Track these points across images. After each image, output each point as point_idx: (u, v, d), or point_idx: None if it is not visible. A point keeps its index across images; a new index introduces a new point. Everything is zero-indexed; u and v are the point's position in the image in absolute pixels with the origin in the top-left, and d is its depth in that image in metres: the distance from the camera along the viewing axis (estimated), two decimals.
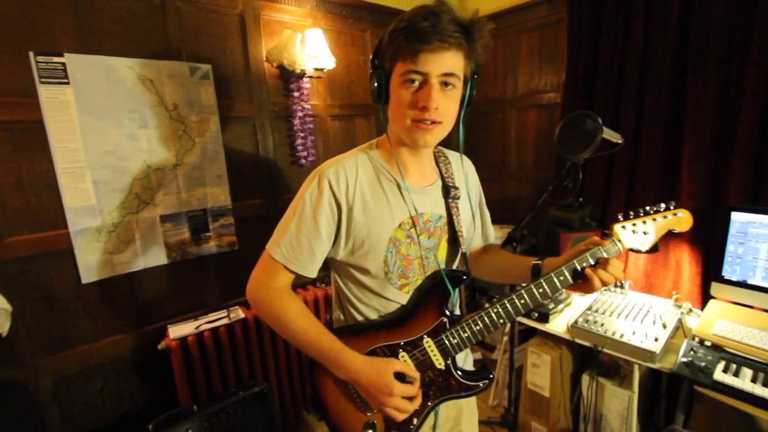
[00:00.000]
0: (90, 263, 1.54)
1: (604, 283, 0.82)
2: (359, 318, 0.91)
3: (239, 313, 1.81)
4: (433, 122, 0.77)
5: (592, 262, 0.84)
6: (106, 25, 1.50)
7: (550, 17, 2.23)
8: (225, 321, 1.75)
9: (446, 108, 0.78)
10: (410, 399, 0.82)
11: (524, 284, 0.84)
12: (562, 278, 0.84)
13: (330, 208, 0.82)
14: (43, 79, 1.39)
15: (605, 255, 0.84)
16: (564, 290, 0.91)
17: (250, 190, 1.94)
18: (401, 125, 0.80)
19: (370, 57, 0.83)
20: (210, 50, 1.75)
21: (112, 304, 1.62)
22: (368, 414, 0.88)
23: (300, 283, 2.05)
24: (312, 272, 0.86)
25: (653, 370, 1.46)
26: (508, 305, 0.84)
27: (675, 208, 0.89)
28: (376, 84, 0.82)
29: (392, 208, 0.85)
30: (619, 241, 0.86)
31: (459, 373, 0.88)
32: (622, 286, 1.82)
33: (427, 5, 0.74)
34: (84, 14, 1.45)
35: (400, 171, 0.86)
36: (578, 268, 0.83)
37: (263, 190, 1.99)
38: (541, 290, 0.84)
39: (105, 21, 1.50)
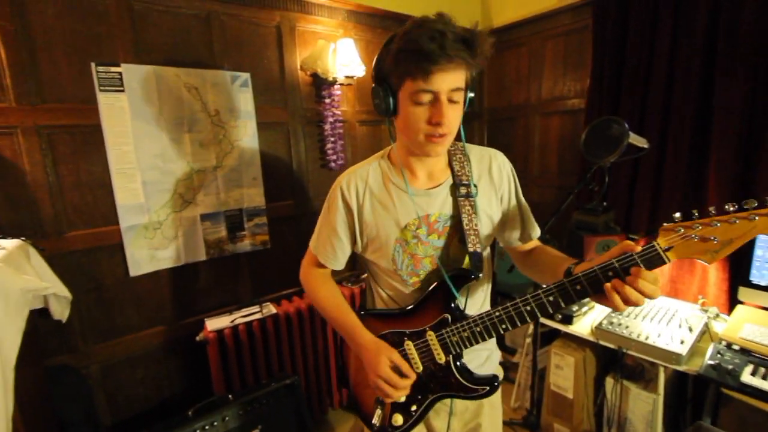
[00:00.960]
0: (137, 258, 1.65)
1: (628, 302, 0.69)
2: (380, 303, 1.03)
3: (271, 309, 1.90)
4: (441, 135, 0.83)
5: (619, 272, 0.70)
6: (158, 39, 1.63)
7: (575, 24, 2.27)
8: (258, 316, 1.84)
9: (455, 120, 0.83)
10: (396, 386, 0.87)
11: (532, 291, 0.80)
12: (579, 288, 0.74)
13: (343, 212, 0.96)
14: (102, 87, 1.52)
15: (639, 265, 0.69)
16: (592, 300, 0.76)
17: (282, 192, 2.04)
18: (413, 139, 0.85)
19: (373, 71, 0.87)
20: (249, 60, 1.86)
21: (155, 297, 1.73)
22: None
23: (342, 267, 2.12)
24: (336, 265, 1.03)
25: (679, 374, 1.47)
26: (512, 311, 0.81)
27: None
28: (382, 99, 0.84)
29: (398, 211, 0.93)
30: (668, 248, 0.69)
31: (460, 372, 0.89)
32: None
33: (430, 21, 0.76)
34: (140, 28, 1.58)
35: (404, 177, 0.93)
36: (601, 277, 0.72)
37: (295, 192, 2.09)
38: (551, 298, 0.77)
39: (158, 34, 1.63)
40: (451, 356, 0.89)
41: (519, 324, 0.82)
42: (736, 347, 1.40)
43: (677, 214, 0.71)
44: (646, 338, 1.51)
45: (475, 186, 0.95)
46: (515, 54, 2.56)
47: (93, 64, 1.50)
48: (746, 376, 1.28)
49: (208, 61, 1.75)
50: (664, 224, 0.71)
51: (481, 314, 0.85)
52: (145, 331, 1.73)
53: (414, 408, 0.91)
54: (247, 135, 1.88)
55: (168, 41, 1.65)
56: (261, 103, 1.91)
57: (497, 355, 1.07)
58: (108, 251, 1.60)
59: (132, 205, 1.62)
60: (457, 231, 0.94)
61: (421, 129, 0.82)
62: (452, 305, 0.90)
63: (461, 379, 0.89)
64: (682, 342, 1.46)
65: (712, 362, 1.35)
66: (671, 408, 1.76)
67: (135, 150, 1.61)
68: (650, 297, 0.68)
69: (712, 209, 0.68)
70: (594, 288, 0.73)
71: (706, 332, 1.56)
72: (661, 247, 0.69)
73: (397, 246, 0.93)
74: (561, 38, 2.36)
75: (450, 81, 0.78)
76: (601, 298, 0.73)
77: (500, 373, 1.07)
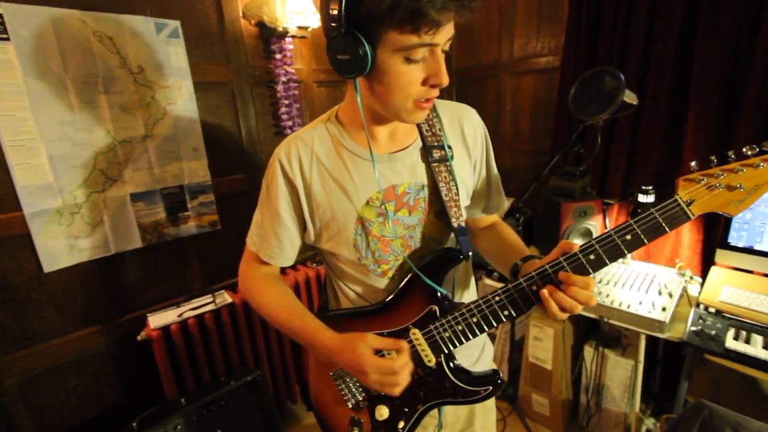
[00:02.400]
0: (52, 249, 1.36)
1: (564, 309, 0.63)
2: (346, 303, 0.83)
3: (225, 297, 1.68)
4: (432, 98, 0.66)
5: (552, 277, 0.65)
6: None
7: None
8: (211, 307, 1.62)
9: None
10: (395, 373, 0.67)
11: (543, 265, 0.67)
12: (535, 287, 0.66)
13: (286, 190, 0.75)
14: None
15: (566, 269, 0.64)
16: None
17: (231, 164, 1.77)
18: (396, 105, 0.65)
19: (331, 11, 0.60)
20: (178, 4, 1.53)
21: (81, 294, 1.46)
22: (354, 410, 0.79)
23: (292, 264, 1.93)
24: (283, 261, 0.82)
25: (652, 339, 1.45)
26: (513, 292, 0.68)
27: None
28: (355, 54, 0.60)
29: (356, 184, 0.74)
30: (689, 202, 0.61)
31: (455, 373, 0.74)
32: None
33: None
34: None
35: (365, 140, 0.73)
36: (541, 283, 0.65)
37: (246, 164, 1.82)
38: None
39: None
40: (442, 356, 0.73)
41: (525, 309, 0.68)
42: (713, 310, 1.38)
43: (693, 163, 0.63)
44: (628, 307, 1.46)
45: (450, 148, 0.78)
46: (485, 8, 2.35)
47: None
48: (730, 341, 1.25)
49: (123, 4, 1.41)
50: (685, 176, 0.63)
51: (476, 301, 0.70)
52: (73, 334, 1.47)
53: (402, 425, 0.75)
54: (182, 97, 1.57)
55: None
56: (197, 59, 1.60)
57: (490, 348, 0.93)
58: (10, 244, 1.30)
59: (37, 185, 1.31)
60: (433, 204, 0.77)
61: (412, 93, 0.63)
62: (438, 294, 0.74)
63: (458, 382, 0.73)
64: (663, 309, 1.42)
65: (694, 328, 1.32)
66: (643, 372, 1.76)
67: (34, 117, 1.28)
68: (585, 304, 0.63)
69: (731, 153, 0.61)
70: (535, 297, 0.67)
71: (683, 296, 1.53)
72: (683, 201, 0.61)
73: (358, 228, 0.74)
74: None
75: (449, 29, 0.60)
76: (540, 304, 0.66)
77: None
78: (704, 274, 1.64)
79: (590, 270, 0.64)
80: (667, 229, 0.62)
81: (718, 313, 1.36)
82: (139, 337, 1.48)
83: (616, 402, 1.67)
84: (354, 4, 0.57)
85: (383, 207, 0.74)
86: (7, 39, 1.22)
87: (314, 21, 1.75)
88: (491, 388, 0.73)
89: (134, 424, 1.31)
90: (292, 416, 1.97)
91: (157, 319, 1.53)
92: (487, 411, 0.92)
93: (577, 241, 1.75)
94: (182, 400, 1.41)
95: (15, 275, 1.32)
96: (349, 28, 0.58)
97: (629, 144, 1.88)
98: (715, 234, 1.64)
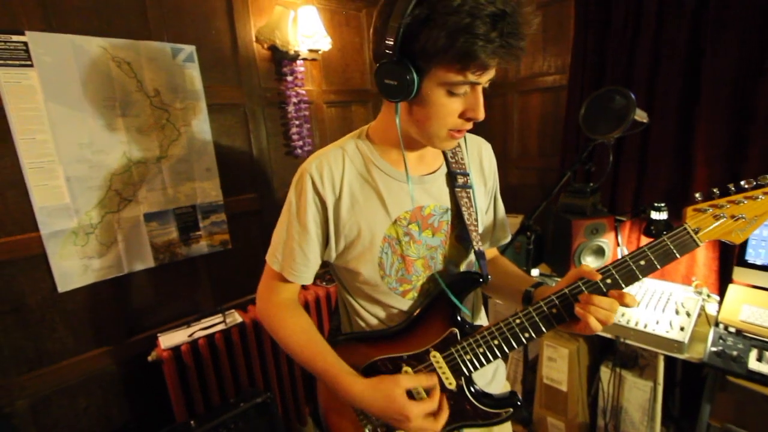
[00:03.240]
0: (66, 269, 1.37)
1: (603, 322, 0.65)
2: (362, 325, 0.82)
3: (236, 317, 1.68)
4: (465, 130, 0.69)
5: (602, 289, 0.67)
6: (74, 1, 1.32)
7: None
8: (221, 327, 1.61)
9: None
10: (435, 414, 0.70)
11: (562, 289, 0.70)
12: (555, 310, 0.69)
13: (315, 206, 0.75)
14: (1, 61, 1.21)
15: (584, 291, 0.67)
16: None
17: (242, 184, 1.79)
18: (431, 132, 0.68)
19: (387, 41, 0.61)
20: (194, 30, 1.58)
21: (94, 314, 1.47)
22: (368, 430, 0.78)
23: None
24: (307, 279, 0.80)
25: (670, 359, 1.41)
26: (534, 315, 0.69)
27: None
28: (402, 80, 0.62)
29: (386, 203, 0.74)
30: (697, 230, 0.66)
31: (475, 396, 0.74)
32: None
33: (499, 3, 0.57)
34: None
35: (403, 159, 0.75)
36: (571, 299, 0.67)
37: (257, 184, 1.84)
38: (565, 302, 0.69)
39: None
40: (463, 379, 0.73)
41: (545, 330, 0.69)
42: (732, 329, 1.34)
43: (698, 194, 0.69)
44: (645, 326, 1.42)
45: (468, 176, 0.81)
46: None
47: None
48: (753, 363, 1.21)
49: (141, 30, 1.47)
50: (693, 206, 0.68)
51: (496, 323, 0.71)
52: (84, 355, 1.47)
53: None
54: (196, 119, 1.61)
55: (86, 5, 1.35)
56: (211, 82, 1.64)
57: (503, 368, 0.92)
58: (27, 264, 1.31)
59: (55, 206, 1.34)
60: (455, 227, 0.79)
61: (448, 123, 0.67)
62: (458, 317, 0.74)
63: (478, 404, 0.73)
64: (682, 328, 1.39)
65: (715, 349, 1.28)
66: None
67: (54, 139, 1.32)
68: (604, 323, 0.65)
69: (731, 186, 0.66)
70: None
71: (701, 315, 1.50)
72: (692, 229, 0.66)
73: (386, 246, 0.74)
74: (540, 10, 2.21)
75: (493, 71, 0.63)
76: (566, 326, 0.69)
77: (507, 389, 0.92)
78: (721, 292, 1.60)
79: (606, 292, 0.67)
80: (677, 255, 0.66)
81: (739, 333, 1.33)
82: (149, 358, 1.47)
83: (635, 425, 1.62)
84: (411, 38, 0.60)
85: (410, 227, 0.75)
86: (31, 65, 1.26)
87: (325, 44, 1.79)
88: (511, 410, 0.74)
89: None
90: None
91: (167, 339, 1.52)
92: (502, 428, 0.91)
93: (590, 259, 1.74)
94: (192, 422, 1.39)
95: (30, 296, 1.33)
96: (401, 58, 0.62)
97: (638, 161, 1.87)
98: (731, 251, 1.61)
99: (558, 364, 1.71)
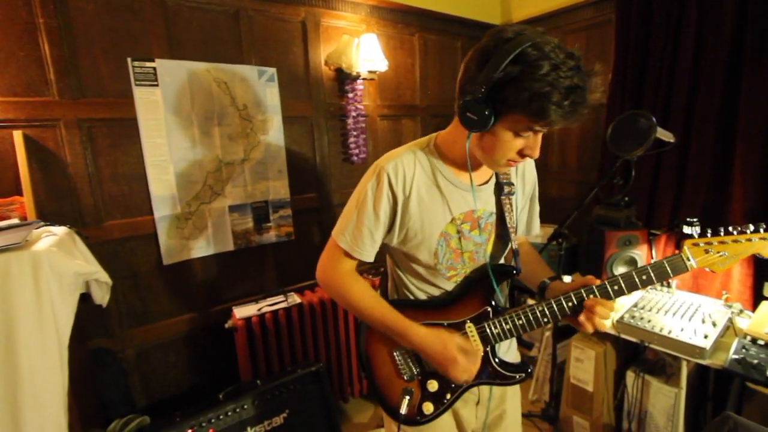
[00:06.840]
0: (170, 246, 1.71)
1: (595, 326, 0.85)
2: (409, 296, 1.00)
3: (295, 298, 1.95)
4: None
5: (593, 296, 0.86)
6: (190, 34, 1.68)
7: (596, 18, 2.25)
8: (283, 305, 1.89)
9: None
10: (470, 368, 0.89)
11: (578, 288, 0.88)
12: (571, 304, 0.88)
13: (388, 200, 0.89)
14: (137, 82, 1.57)
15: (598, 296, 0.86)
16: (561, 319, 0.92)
17: (306, 185, 2.09)
18: (492, 159, 0.84)
19: (478, 85, 0.74)
20: (276, 55, 1.90)
21: (186, 285, 1.80)
22: (407, 382, 0.97)
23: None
24: (371, 257, 0.95)
25: (701, 369, 1.48)
26: (554, 306, 0.88)
27: (766, 231, 0.81)
28: (482, 116, 0.76)
29: (446, 205, 0.91)
30: (690, 258, 0.85)
31: (497, 361, 0.94)
32: (669, 285, 1.84)
33: (567, 66, 0.69)
34: (172, 24, 1.63)
35: (468, 173, 0.92)
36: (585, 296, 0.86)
37: (318, 185, 2.13)
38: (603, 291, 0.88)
39: (189, 30, 1.68)
40: (489, 347, 0.92)
41: (559, 318, 0.89)
42: (761, 342, 1.40)
43: (696, 233, 0.90)
44: (669, 332, 1.51)
45: (513, 185, 0.99)
46: None
47: (129, 60, 1.55)
48: None
49: (236, 56, 1.80)
50: (691, 240, 0.88)
51: (523, 307, 0.90)
52: (176, 318, 1.80)
53: (448, 396, 0.94)
54: (273, 128, 1.92)
55: (199, 37, 1.70)
56: (286, 98, 1.95)
57: (515, 344, 1.11)
58: (143, 240, 1.67)
59: (165, 195, 1.68)
60: (497, 228, 0.98)
61: (508, 155, 0.82)
62: (492, 299, 0.94)
63: (498, 368, 0.93)
64: (705, 336, 1.46)
65: (736, 356, 1.35)
66: (692, 403, 1.76)
67: (168, 143, 1.67)
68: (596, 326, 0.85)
69: (721, 230, 0.86)
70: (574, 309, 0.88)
71: (730, 327, 1.56)
72: (685, 257, 0.85)
73: (441, 240, 0.93)
74: (582, 33, 2.34)
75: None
76: (571, 318, 0.89)
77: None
78: (755, 308, 1.64)
79: (612, 296, 0.86)
80: (671, 275, 0.85)
81: (766, 344, 1.39)
82: (226, 325, 1.78)
83: (659, 430, 1.69)
84: (498, 88, 0.73)
85: (462, 226, 0.94)
86: (157, 85, 1.62)
87: (382, 66, 2.05)
88: (524, 375, 0.94)
89: (221, 396, 1.57)
90: (343, 415, 2.16)
91: (241, 311, 1.82)
92: (515, 393, 1.10)
93: (621, 269, 1.84)
94: (258, 381, 1.66)
95: (143, 265, 1.68)
96: (486, 99, 0.75)
97: (676, 178, 1.94)
98: (765, 268, 1.65)
99: (585, 365, 1.82)
